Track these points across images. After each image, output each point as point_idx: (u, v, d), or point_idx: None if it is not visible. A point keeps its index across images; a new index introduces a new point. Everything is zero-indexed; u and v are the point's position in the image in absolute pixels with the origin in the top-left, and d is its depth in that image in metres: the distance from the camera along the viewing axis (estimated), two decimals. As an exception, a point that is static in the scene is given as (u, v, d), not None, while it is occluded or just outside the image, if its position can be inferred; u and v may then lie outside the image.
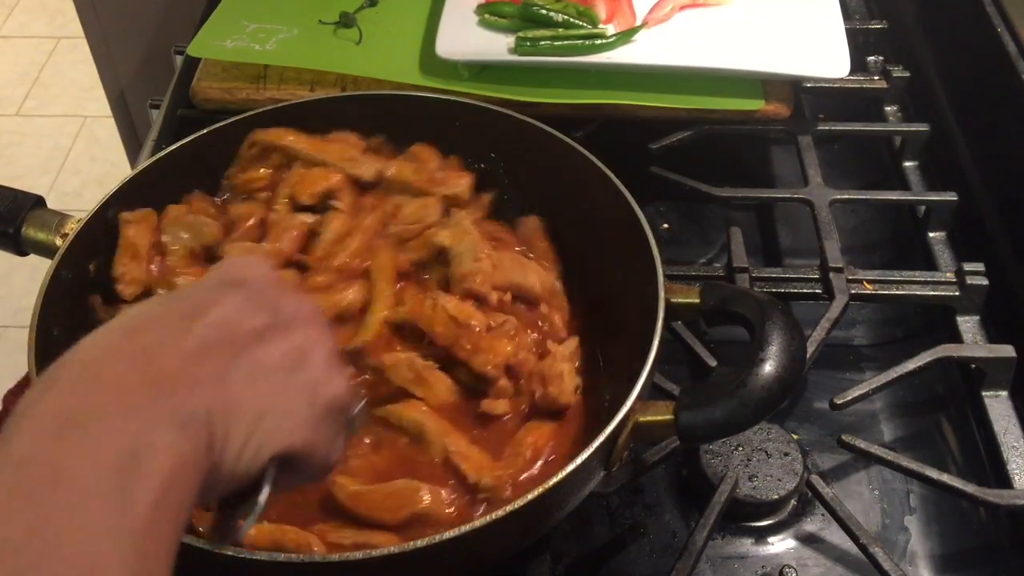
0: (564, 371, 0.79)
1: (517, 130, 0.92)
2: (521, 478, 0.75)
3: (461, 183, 0.91)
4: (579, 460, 0.67)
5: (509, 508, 0.65)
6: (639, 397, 0.71)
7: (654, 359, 0.73)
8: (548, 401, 0.78)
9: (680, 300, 0.78)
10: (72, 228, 0.83)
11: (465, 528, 0.64)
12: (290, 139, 0.93)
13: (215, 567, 0.64)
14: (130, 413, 0.47)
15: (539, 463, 0.76)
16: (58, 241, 0.84)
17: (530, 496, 0.65)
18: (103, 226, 0.84)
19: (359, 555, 0.63)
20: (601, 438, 0.68)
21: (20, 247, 0.87)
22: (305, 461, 0.56)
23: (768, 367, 0.69)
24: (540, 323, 0.84)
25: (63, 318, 0.77)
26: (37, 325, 0.75)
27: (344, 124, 0.96)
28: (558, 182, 0.91)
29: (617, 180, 0.85)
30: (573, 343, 0.82)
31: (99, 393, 0.48)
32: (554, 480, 0.66)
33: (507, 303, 0.83)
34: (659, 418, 0.71)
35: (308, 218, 0.89)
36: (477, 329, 0.79)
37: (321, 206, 0.90)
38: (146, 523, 0.45)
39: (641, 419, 0.71)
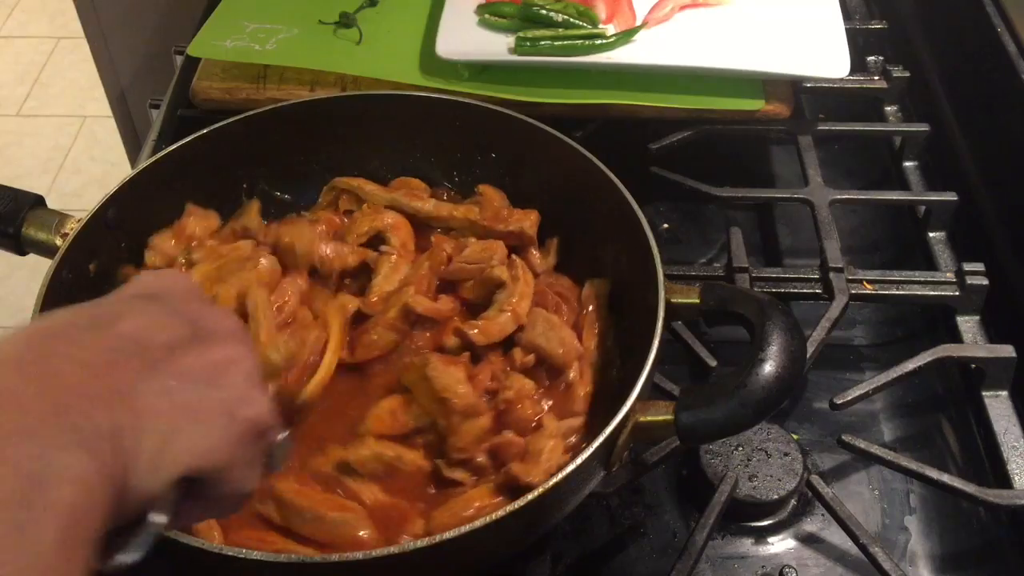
0: (546, 448, 0.75)
1: (517, 130, 0.92)
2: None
3: (527, 220, 0.90)
4: (579, 460, 0.67)
5: (509, 508, 0.65)
6: (639, 397, 0.71)
7: (654, 359, 0.73)
8: (511, 479, 0.74)
9: (680, 300, 0.78)
10: (72, 228, 0.83)
11: (465, 528, 0.64)
12: (357, 183, 0.95)
13: (212, 566, 0.64)
14: (27, 433, 0.43)
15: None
16: (58, 241, 0.84)
17: (530, 496, 0.65)
18: (103, 226, 0.84)
19: (359, 555, 0.63)
20: (601, 438, 0.68)
21: (20, 247, 0.87)
22: (217, 486, 0.52)
23: (768, 367, 0.69)
24: (561, 390, 0.81)
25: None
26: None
27: (344, 124, 0.96)
28: (558, 182, 0.91)
29: (617, 180, 0.85)
30: (576, 422, 0.78)
31: None
32: (554, 480, 0.66)
33: (528, 364, 0.81)
34: (659, 418, 0.71)
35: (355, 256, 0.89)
36: (457, 404, 0.76)
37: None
38: (51, 564, 0.41)
39: (641, 419, 0.71)
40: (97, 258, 0.84)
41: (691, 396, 0.71)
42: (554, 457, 0.74)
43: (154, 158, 0.89)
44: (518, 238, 0.90)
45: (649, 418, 0.71)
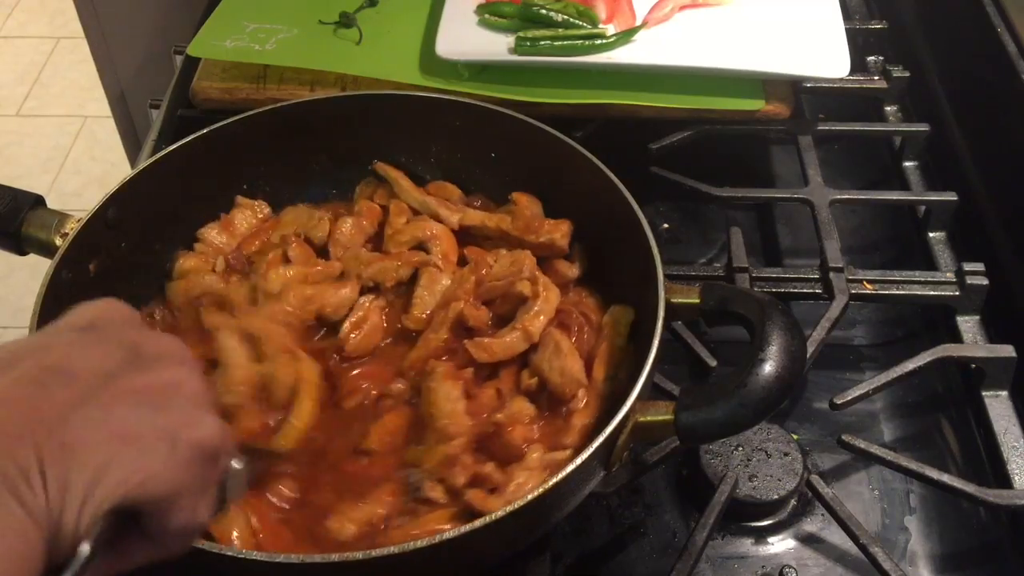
0: (514, 482, 0.73)
1: (517, 130, 0.92)
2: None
3: (559, 230, 0.89)
4: (579, 460, 0.67)
5: (509, 508, 0.65)
6: (639, 397, 0.71)
7: (654, 359, 0.73)
8: (467, 507, 0.72)
9: (680, 300, 0.78)
10: (72, 228, 0.83)
11: (465, 528, 0.64)
12: (395, 175, 0.96)
13: (211, 566, 0.64)
14: None
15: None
16: (58, 241, 0.84)
17: (530, 496, 0.65)
18: (103, 226, 0.84)
19: (359, 555, 0.63)
20: (601, 438, 0.68)
21: (20, 247, 0.87)
22: (164, 518, 0.48)
23: (768, 367, 0.69)
24: (560, 418, 0.79)
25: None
26: (37, 325, 0.75)
27: (344, 124, 0.96)
28: (558, 182, 0.91)
29: (617, 180, 0.85)
30: (561, 456, 0.75)
31: None
32: (554, 480, 0.66)
33: (531, 387, 0.80)
34: (659, 418, 0.71)
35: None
36: (438, 423, 0.76)
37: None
38: None
39: (641, 419, 0.71)
40: (97, 258, 0.84)
41: (691, 396, 0.71)
42: (520, 492, 0.72)
43: (154, 158, 0.89)
44: (549, 249, 0.89)
45: (649, 418, 0.71)
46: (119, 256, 0.86)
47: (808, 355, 0.88)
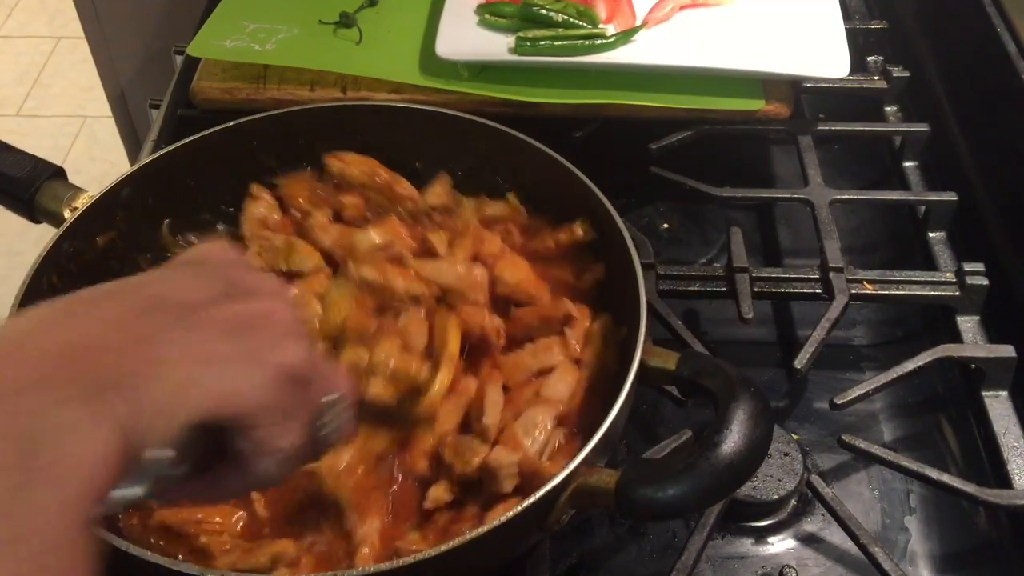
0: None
1: (506, 144, 0.90)
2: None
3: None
4: (509, 515, 0.64)
5: (444, 548, 0.62)
6: (586, 461, 0.66)
7: (614, 418, 0.68)
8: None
9: (656, 364, 0.74)
10: (83, 203, 0.85)
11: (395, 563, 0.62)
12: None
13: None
14: (27, 386, 0.42)
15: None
16: (66, 213, 0.85)
17: (454, 543, 0.62)
18: (114, 206, 0.86)
19: (354, 572, 0.62)
20: (534, 498, 0.64)
21: (32, 214, 0.89)
22: (248, 437, 0.49)
23: (722, 454, 0.64)
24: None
25: (59, 286, 0.79)
26: (29, 281, 0.77)
27: (340, 132, 0.94)
28: (558, 191, 0.89)
29: (608, 200, 0.83)
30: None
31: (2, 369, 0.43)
32: (481, 530, 0.63)
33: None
34: (601, 486, 0.66)
35: None
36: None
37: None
38: (53, 527, 0.40)
39: (583, 484, 0.66)
40: (109, 232, 0.85)
41: (636, 470, 0.66)
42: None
43: (174, 146, 0.90)
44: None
45: (592, 484, 0.66)
46: (123, 237, 0.87)
47: (809, 355, 0.88)
